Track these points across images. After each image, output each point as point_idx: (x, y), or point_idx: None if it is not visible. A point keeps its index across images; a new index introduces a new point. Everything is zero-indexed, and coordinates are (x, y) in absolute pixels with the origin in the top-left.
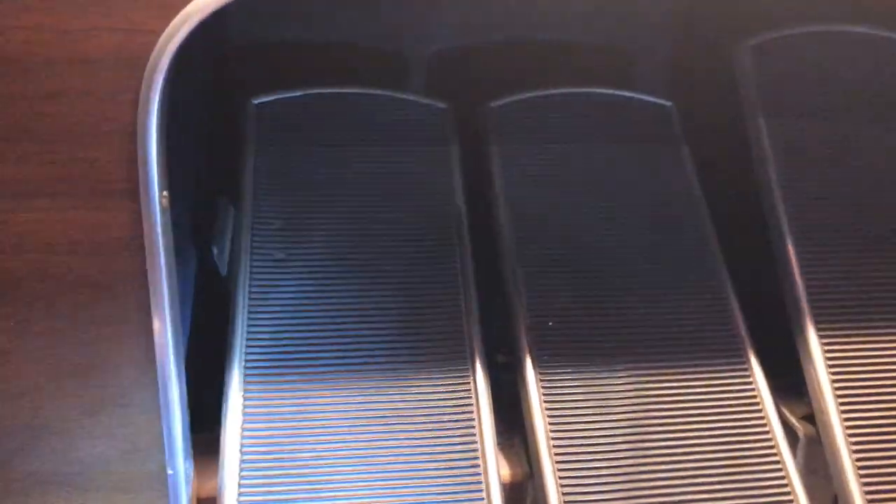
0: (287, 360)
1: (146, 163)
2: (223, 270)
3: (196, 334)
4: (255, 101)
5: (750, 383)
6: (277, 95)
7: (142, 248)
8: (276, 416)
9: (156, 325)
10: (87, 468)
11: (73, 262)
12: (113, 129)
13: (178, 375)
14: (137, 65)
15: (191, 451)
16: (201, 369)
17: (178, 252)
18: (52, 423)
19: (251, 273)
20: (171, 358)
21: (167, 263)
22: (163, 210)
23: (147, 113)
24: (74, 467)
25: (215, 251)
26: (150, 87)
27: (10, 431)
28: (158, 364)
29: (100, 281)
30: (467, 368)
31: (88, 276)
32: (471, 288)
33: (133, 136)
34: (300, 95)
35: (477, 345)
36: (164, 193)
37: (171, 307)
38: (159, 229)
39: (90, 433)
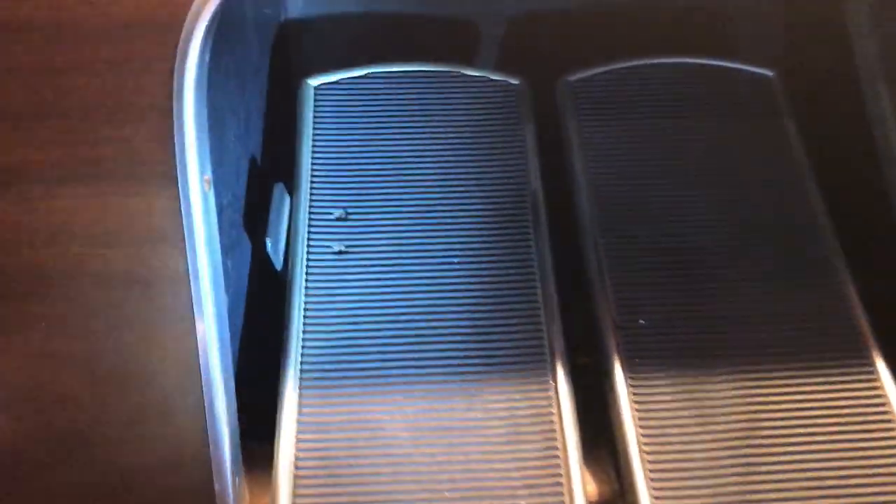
0: (346, 365)
1: (183, 141)
2: (278, 265)
3: (250, 335)
4: (313, 82)
5: (876, 388)
6: (336, 75)
7: (182, 239)
8: (334, 427)
9: (199, 326)
10: (129, 480)
11: (109, 255)
12: (147, 103)
13: (226, 382)
14: (171, 30)
15: (240, 465)
16: (255, 374)
17: (230, 244)
18: (90, 433)
19: (308, 267)
20: (217, 363)
21: (211, 257)
22: (205, 196)
23: (182, 85)
24: (115, 479)
25: (269, 243)
26: (185, 56)
27: (47, 441)
28: (203, 370)
29: (138, 277)
30: (547, 372)
31: (126, 271)
32: (550, 282)
33: (169, 112)
34: (361, 75)
35: (558, 346)
36: (207, 177)
37: (217, 306)
38: (200, 217)
39: (131, 443)
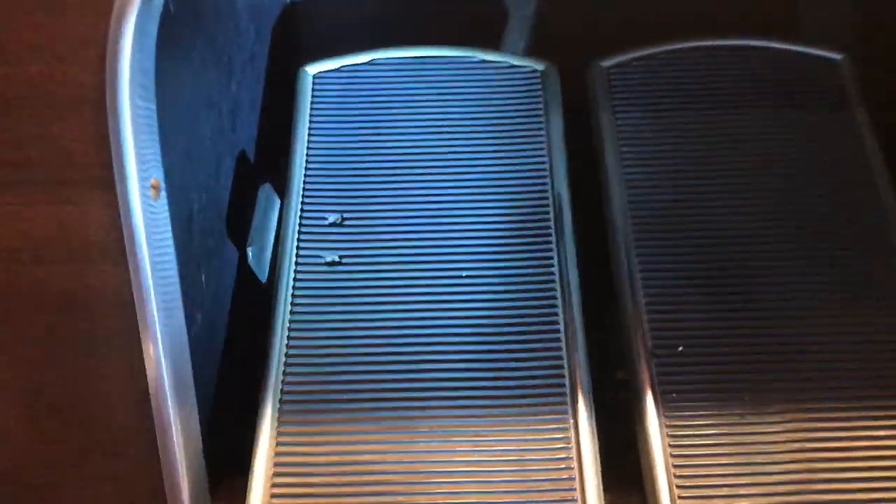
0: (334, 396)
1: (121, 141)
2: (262, 276)
3: (235, 356)
4: (311, 69)
5: None
6: (337, 61)
7: (123, 253)
8: (316, 469)
9: (148, 356)
10: None
11: (40, 272)
12: (77, 96)
13: (184, 419)
14: (101, 9)
15: None
16: (238, 401)
17: (204, 255)
18: (30, 477)
19: (295, 280)
20: (169, 396)
21: (156, 274)
22: (148, 204)
23: (117, 72)
24: None
25: (251, 253)
26: (118, 38)
27: None
28: (154, 405)
29: (76, 297)
30: (566, 411)
31: (61, 290)
32: (574, 303)
33: (103, 105)
34: (364, 61)
35: (580, 377)
36: (155, 181)
37: (169, 332)
38: (143, 229)
39: (77, 487)
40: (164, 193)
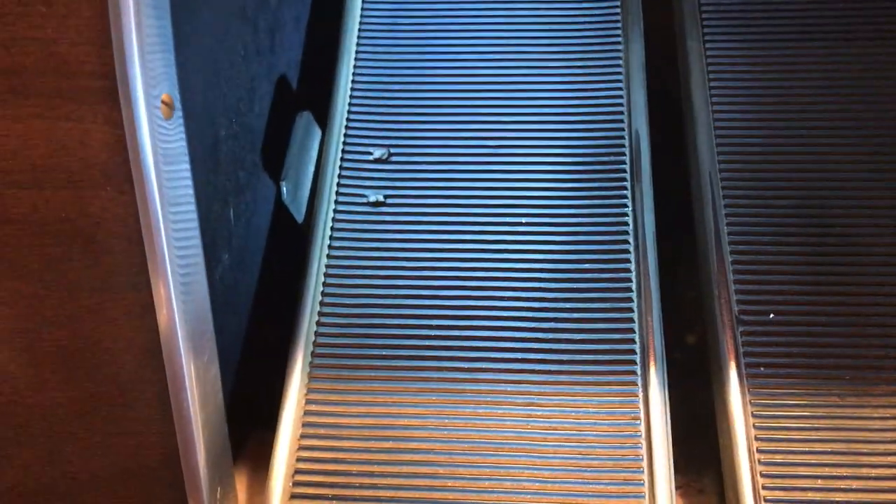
0: (371, 352)
1: (123, 43)
2: (299, 216)
3: (263, 304)
4: None
5: None
6: None
7: (129, 178)
8: (349, 429)
9: (157, 295)
10: (80, 487)
11: (38, 197)
12: None
13: (200, 369)
14: None
15: (227, 470)
16: (264, 353)
17: (234, 189)
18: (33, 424)
19: (334, 221)
20: (182, 344)
21: (169, 204)
22: (160, 122)
23: None
24: (64, 485)
25: (285, 189)
26: None
27: None
28: (165, 353)
29: (78, 227)
30: (636, 378)
31: (61, 218)
32: (649, 257)
33: (104, 3)
34: None
35: (654, 343)
36: (166, 97)
37: (184, 272)
38: (149, 151)
39: (82, 441)
40: (179, 112)
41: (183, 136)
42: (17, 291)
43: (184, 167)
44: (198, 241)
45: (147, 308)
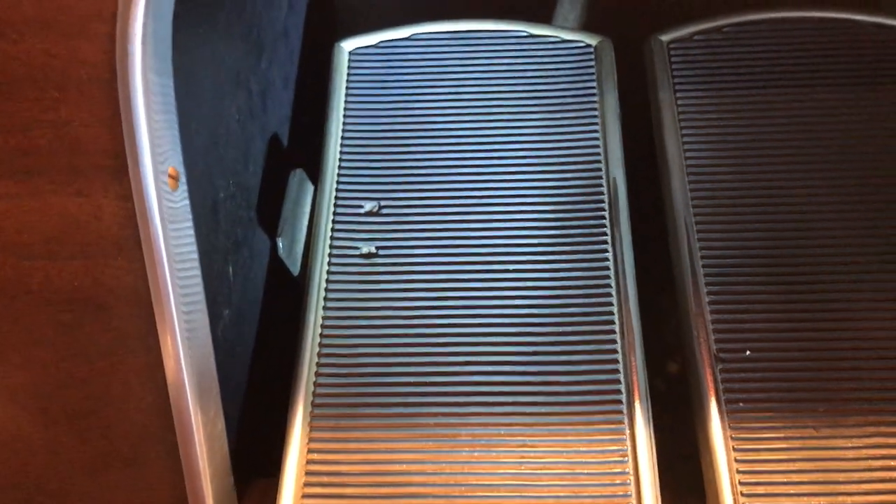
0: (370, 399)
1: (133, 123)
2: (294, 269)
3: (266, 354)
4: (346, 45)
5: None
6: (375, 36)
7: (139, 247)
8: (351, 476)
9: (167, 356)
10: None
11: (52, 269)
12: (87, 76)
13: (207, 424)
14: None
15: None
16: (272, 402)
17: (232, 246)
18: (45, 484)
19: (329, 273)
20: (191, 401)
21: (176, 270)
22: (164, 194)
23: (129, 50)
24: None
25: (281, 244)
26: (129, 6)
27: None
28: (175, 411)
29: (88, 296)
30: (622, 418)
31: (74, 287)
32: (630, 299)
33: (114, 87)
34: (404, 37)
35: (638, 382)
36: (172, 170)
37: (191, 331)
38: (159, 223)
39: (95, 499)
40: (183, 182)
41: (187, 202)
42: (33, 357)
43: (188, 231)
44: (202, 301)
45: (156, 367)
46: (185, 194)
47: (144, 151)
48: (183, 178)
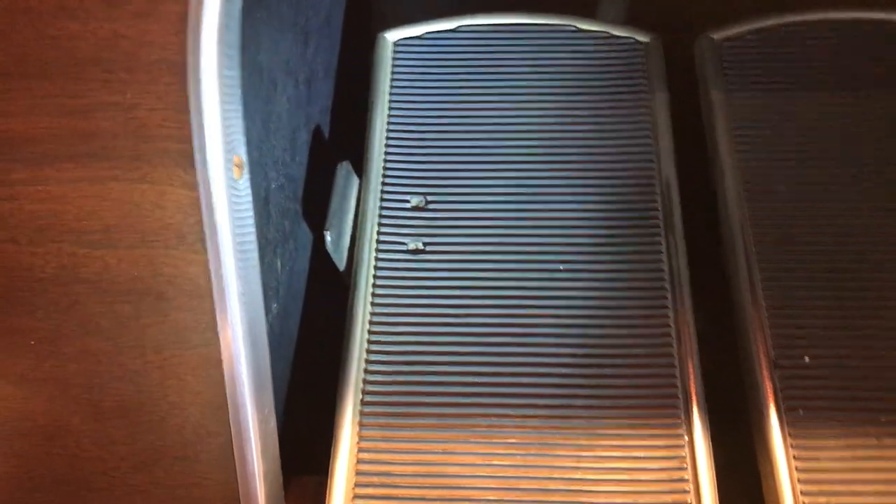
0: (419, 399)
1: (202, 110)
2: (340, 264)
3: (309, 350)
4: (391, 36)
5: None
6: (420, 27)
7: (202, 238)
8: (399, 480)
9: (226, 352)
10: None
11: (110, 257)
12: (156, 58)
13: (261, 421)
14: None
15: None
16: (315, 400)
17: (281, 239)
18: (92, 478)
19: (376, 269)
20: (248, 398)
21: (238, 263)
22: (232, 184)
23: (200, 33)
24: None
25: (329, 238)
26: None
27: (41, 486)
28: (231, 407)
29: (148, 286)
30: (680, 423)
31: (133, 278)
32: (686, 297)
33: (183, 70)
34: (450, 28)
35: (695, 386)
36: (238, 158)
37: (249, 326)
38: (225, 212)
39: (142, 493)
40: (247, 171)
41: (250, 192)
42: (86, 349)
43: (250, 223)
44: (260, 295)
45: (214, 363)
46: (248, 183)
47: (215, 138)
48: (246, 167)
